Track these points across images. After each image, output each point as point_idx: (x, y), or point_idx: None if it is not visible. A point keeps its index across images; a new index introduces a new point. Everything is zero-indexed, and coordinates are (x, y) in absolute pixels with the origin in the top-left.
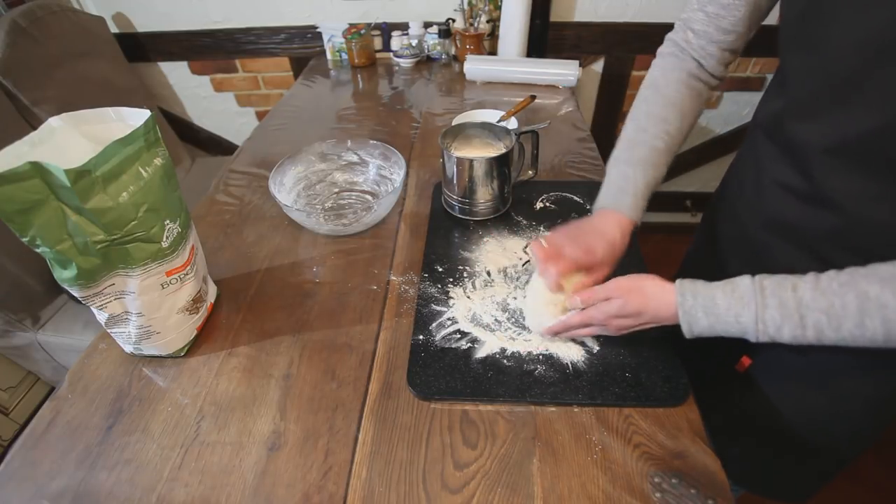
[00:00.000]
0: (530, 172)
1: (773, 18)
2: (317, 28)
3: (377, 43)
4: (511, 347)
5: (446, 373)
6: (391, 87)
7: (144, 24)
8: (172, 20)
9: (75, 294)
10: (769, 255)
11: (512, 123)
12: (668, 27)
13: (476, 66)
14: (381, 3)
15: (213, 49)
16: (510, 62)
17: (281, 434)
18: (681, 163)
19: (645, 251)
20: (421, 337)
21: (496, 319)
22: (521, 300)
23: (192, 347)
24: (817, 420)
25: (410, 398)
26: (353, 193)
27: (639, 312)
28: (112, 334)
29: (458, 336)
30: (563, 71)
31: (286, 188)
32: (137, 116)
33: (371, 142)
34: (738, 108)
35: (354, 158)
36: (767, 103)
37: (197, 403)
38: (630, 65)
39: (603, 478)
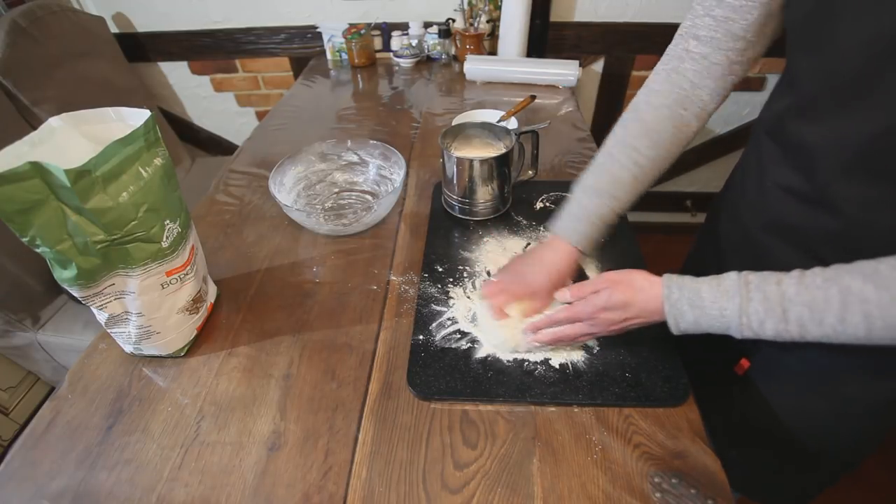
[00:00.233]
0: (530, 172)
1: None
2: (317, 28)
3: (377, 43)
4: (506, 357)
5: (446, 373)
6: (391, 87)
7: (144, 24)
8: (172, 20)
9: (75, 294)
10: (770, 257)
11: (512, 123)
12: (669, 27)
13: (476, 66)
14: (381, 3)
15: (213, 49)
16: (510, 62)
17: (281, 434)
18: (681, 163)
19: (645, 251)
20: (421, 337)
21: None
22: (477, 326)
23: (192, 347)
24: (818, 424)
25: (410, 398)
26: (353, 193)
27: (626, 304)
28: (112, 334)
29: (458, 336)
30: (563, 71)
31: (286, 188)
32: (137, 116)
33: (371, 142)
34: (738, 108)
35: (354, 158)
36: (773, 104)
37: (197, 403)
38: (630, 65)
39: (603, 478)
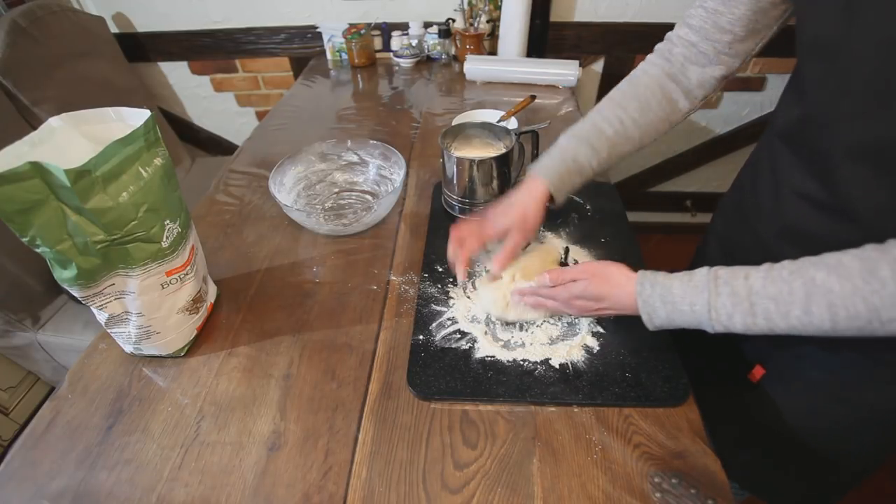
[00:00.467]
0: None
1: None
2: (317, 28)
3: (377, 43)
4: (506, 357)
5: (446, 373)
6: (391, 87)
7: (144, 24)
8: (172, 20)
9: (75, 294)
10: None
11: (512, 123)
12: (669, 27)
13: (476, 66)
14: (381, 3)
15: (213, 49)
16: (510, 62)
17: (281, 434)
18: (681, 163)
19: (645, 251)
20: (421, 337)
21: (490, 321)
22: (476, 299)
23: (192, 347)
24: (833, 431)
25: (410, 398)
26: (353, 193)
27: (600, 297)
28: (112, 334)
29: (458, 336)
30: (562, 71)
31: (286, 188)
32: (137, 116)
33: (371, 142)
34: (738, 108)
35: (354, 158)
36: (785, 110)
37: (197, 403)
38: (630, 65)
39: (603, 478)
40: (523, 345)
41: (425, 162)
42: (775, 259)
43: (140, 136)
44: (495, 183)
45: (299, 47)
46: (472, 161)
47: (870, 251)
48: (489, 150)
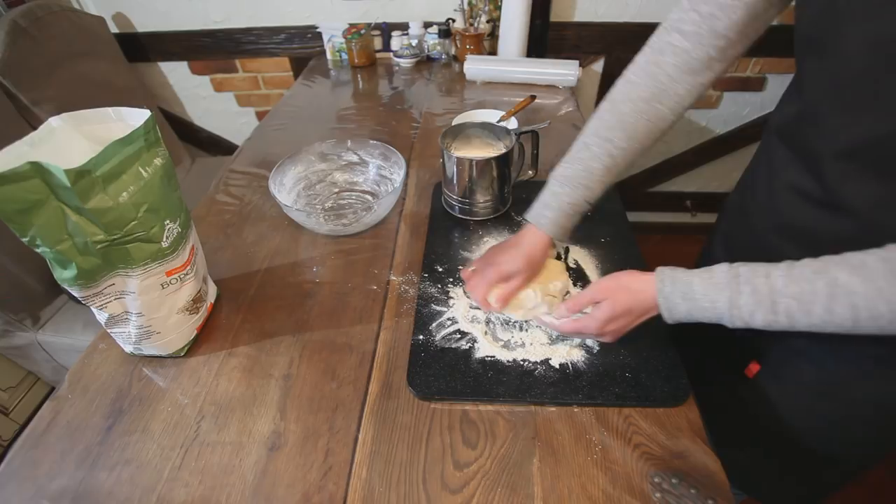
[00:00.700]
0: (530, 172)
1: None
2: (317, 28)
3: (377, 43)
4: (506, 357)
5: (446, 373)
6: (391, 87)
7: (144, 23)
8: (172, 20)
9: (75, 294)
10: (781, 260)
11: (512, 123)
12: None
13: (476, 66)
14: (381, 3)
15: (213, 49)
16: (510, 62)
17: (281, 434)
18: (681, 163)
19: (645, 251)
20: (421, 337)
21: (490, 321)
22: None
23: (192, 347)
24: (829, 428)
25: (410, 398)
26: (353, 193)
27: (629, 310)
28: (112, 334)
29: (458, 336)
30: (562, 71)
31: (286, 188)
32: (137, 116)
33: (371, 142)
34: (737, 109)
35: (354, 158)
36: (783, 107)
37: (197, 403)
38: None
39: (603, 478)
40: (523, 345)
41: (425, 162)
42: (773, 255)
43: (140, 136)
44: (495, 183)
45: (299, 47)
46: (472, 161)
47: (893, 252)
48: (489, 150)
